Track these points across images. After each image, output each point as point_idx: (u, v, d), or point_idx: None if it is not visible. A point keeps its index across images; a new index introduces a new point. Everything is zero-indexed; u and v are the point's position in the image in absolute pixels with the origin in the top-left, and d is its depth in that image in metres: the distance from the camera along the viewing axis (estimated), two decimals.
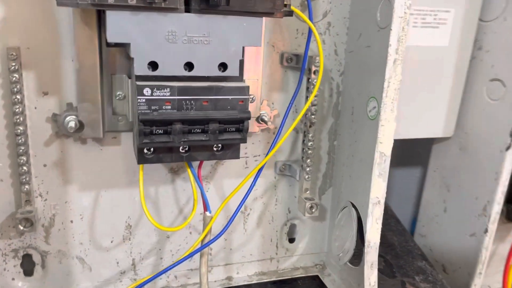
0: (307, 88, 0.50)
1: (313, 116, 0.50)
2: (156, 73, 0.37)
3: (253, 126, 0.49)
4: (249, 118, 0.39)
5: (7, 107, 0.42)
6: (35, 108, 0.43)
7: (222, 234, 0.44)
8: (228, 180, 0.52)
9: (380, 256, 0.63)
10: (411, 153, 0.88)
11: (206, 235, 0.45)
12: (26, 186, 0.44)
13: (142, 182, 0.43)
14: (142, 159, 0.40)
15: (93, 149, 0.46)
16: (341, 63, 0.52)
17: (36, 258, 0.48)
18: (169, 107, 0.37)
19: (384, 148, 0.44)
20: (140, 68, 0.37)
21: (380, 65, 0.43)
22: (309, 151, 0.51)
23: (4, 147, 0.44)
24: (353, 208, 0.50)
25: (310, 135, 0.50)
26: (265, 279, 0.56)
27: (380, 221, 0.46)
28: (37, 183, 0.46)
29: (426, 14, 0.56)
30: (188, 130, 0.39)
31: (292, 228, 0.58)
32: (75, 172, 0.47)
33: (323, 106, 0.53)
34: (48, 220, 0.47)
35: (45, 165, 0.45)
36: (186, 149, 0.41)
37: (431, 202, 0.71)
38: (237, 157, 0.43)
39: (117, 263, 0.51)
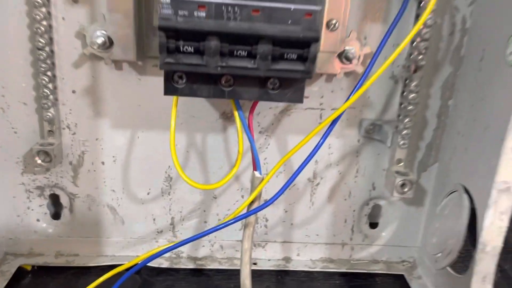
0: (417, 17, 0.35)
1: (420, 57, 0.35)
2: None
3: (333, 66, 0.36)
4: (317, 40, 0.27)
5: (30, 15, 0.35)
6: (63, 18, 0.36)
7: (272, 202, 0.33)
8: (294, 136, 0.40)
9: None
10: None
11: (254, 201, 0.34)
12: (49, 114, 0.37)
13: (174, 123, 0.33)
14: (170, 88, 0.30)
15: (130, 77, 0.38)
16: None
17: (64, 200, 0.41)
18: (203, 13, 0.26)
19: None
20: None
21: None
22: (410, 107, 0.36)
23: (28, 64, 0.37)
24: (465, 195, 0.35)
25: (413, 83, 0.36)
26: (333, 268, 0.44)
27: (507, 217, 0.31)
28: (64, 112, 0.38)
29: None
30: (229, 51, 0.27)
31: (376, 210, 0.44)
32: (108, 104, 0.38)
33: (438, 49, 0.38)
34: (77, 158, 0.40)
35: (73, 91, 0.38)
36: (231, 82, 0.30)
37: None
38: (300, 100, 0.31)
39: (154, 219, 0.43)
